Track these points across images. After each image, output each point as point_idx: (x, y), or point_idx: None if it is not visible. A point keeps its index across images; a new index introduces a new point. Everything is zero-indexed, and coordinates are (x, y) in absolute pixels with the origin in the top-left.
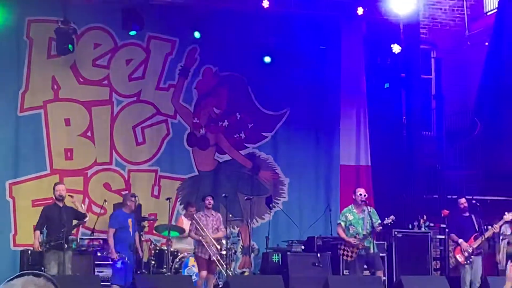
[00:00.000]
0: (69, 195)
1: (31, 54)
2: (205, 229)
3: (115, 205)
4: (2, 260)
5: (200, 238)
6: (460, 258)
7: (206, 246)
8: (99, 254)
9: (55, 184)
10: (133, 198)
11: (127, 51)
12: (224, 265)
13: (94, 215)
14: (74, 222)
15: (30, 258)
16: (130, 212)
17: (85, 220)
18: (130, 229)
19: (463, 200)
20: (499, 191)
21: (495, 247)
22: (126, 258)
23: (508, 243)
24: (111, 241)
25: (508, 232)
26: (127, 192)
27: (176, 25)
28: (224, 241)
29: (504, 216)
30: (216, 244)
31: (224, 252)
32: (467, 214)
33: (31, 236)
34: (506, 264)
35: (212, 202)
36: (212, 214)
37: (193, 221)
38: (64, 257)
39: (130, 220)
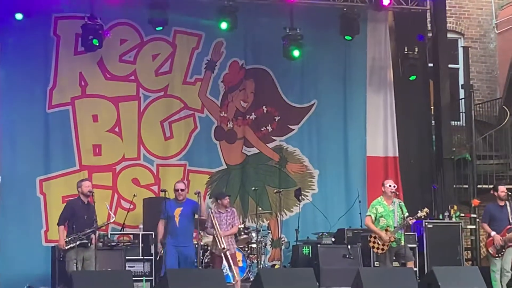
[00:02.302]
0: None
1: (59, 50)
2: (217, 226)
3: (145, 200)
4: (35, 256)
5: (214, 234)
6: (492, 250)
7: (218, 243)
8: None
9: (80, 181)
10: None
11: (153, 46)
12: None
13: (123, 211)
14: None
15: (62, 254)
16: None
17: (111, 221)
18: (176, 219)
19: (503, 188)
20: None
21: None
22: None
23: None
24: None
25: None
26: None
27: (201, 19)
28: (254, 234)
29: None
30: (221, 242)
31: (226, 250)
32: (503, 203)
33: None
34: None
35: (227, 202)
36: (227, 210)
37: (209, 216)
38: (86, 254)
39: (178, 210)
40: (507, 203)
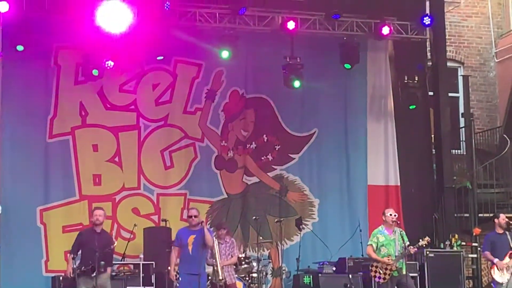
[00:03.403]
0: None
1: (59, 80)
2: (218, 256)
3: (146, 229)
4: (35, 286)
5: (213, 264)
6: (499, 278)
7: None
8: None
9: (93, 209)
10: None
11: (154, 75)
12: None
13: (123, 240)
14: None
15: (62, 285)
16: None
17: (111, 247)
18: (189, 247)
19: (504, 216)
20: None
21: None
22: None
23: None
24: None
25: None
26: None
27: (202, 48)
28: (255, 264)
29: None
30: (220, 272)
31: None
32: (502, 231)
33: (62, 262)
34: None
35: (224, 233)
36: (226, 241)
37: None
38: (96, 283)
39: (191, 237)
40: (507, 232)
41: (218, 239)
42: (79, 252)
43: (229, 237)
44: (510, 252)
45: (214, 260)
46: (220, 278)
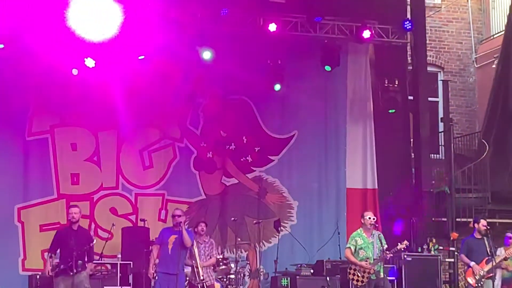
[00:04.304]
0: None
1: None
2: (197, 257)
3: (124, 229)
4: (11, 285)
5: (193, 265)
6: (471, 280)
7: (197, 275)
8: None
9: (69, 207)
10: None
11: None
12: None
13: (101, 240)
14: None
15: (39, 283)
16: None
17: (91, 244)
18: (169, 246)
19: (484, 222)
20: (507, 214)
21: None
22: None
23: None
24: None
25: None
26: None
27: (182, 49)
28: (232, 265)
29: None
30: (201, 273)
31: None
32: (480, 236)
33: (40, 260)
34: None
35: (204, 228)
36: (204, 241)
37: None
38: (74, 282)
39: (172, 237)
40: (485, 238)
41: (198, 238)
42: (58, 251)
43: (208, 237)
44: (487, 258)
45: (193, 261)
46: (201, 278)
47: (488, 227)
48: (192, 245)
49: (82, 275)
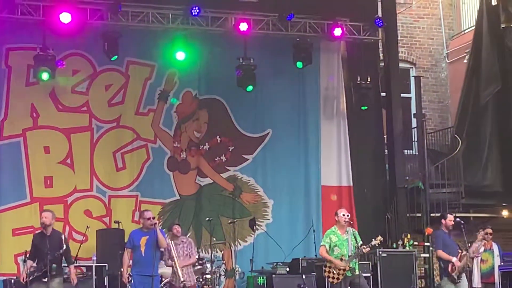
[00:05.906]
0: None
1: (10, 82)
2: (176, 257)
3: (99, 231)
4: None
5: (172, 265)
6: (455, 275)
7: (177, 275)
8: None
9: (41, 211)
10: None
11: (106, 76)
12: None
13: (76, 243)
14: None
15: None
16: (145, 230)
17: (60, 251)
18: (142, 248)
19: (451, 217)
20: (481, 208)
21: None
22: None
23: (481, 260)
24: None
25: (481, 250)
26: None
27: (154, 50)
28: (208, 265)
29: (478, 235)
30: (181, 274)
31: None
32: (447, 231)
33: (13, 265)
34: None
35: (180, 230)
36: (182, 241)
37: (167, 247)
38: (49, 286)
39: (143, 239)
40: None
41: (174, 239)
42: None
43: (185, 237)
44: (462, 253)
45: (173, 262)
46: (182, 280)
47: (463, 222)
48: (169, 246)
49: (55, 281)
